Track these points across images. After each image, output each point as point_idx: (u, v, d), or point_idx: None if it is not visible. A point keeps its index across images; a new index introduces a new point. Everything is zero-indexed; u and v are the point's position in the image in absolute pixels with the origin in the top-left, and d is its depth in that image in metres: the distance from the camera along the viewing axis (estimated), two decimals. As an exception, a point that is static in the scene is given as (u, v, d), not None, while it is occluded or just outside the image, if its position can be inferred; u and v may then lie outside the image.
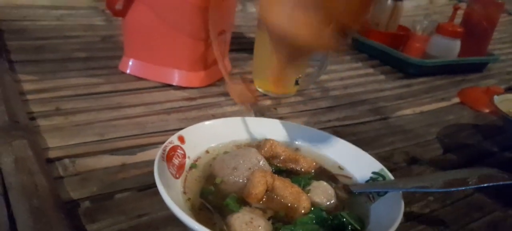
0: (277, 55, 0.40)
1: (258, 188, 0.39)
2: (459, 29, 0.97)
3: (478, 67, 1.05)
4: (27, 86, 0.62)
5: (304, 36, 0.36)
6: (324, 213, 0.38)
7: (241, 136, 0.51)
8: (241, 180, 0.42)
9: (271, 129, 0.52)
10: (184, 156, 0.44)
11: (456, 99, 0.84)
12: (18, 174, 0.41)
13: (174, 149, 0.43)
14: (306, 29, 0.35)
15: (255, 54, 0.73)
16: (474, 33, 1.03)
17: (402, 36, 1.04)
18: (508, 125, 0.65)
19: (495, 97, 0.67)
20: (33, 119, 0.54)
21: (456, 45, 0.98)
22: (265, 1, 0.38)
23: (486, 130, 0.72)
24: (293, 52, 0.40)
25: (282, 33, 0.37)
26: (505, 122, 0.65)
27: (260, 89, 0.74)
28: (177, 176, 0.41)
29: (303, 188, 0.42)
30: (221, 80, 0.76)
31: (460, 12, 1.03)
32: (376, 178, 0.45)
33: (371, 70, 0.94)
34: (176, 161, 0.42)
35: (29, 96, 0.60)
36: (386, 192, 0.42)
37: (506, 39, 1.46)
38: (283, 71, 0.41)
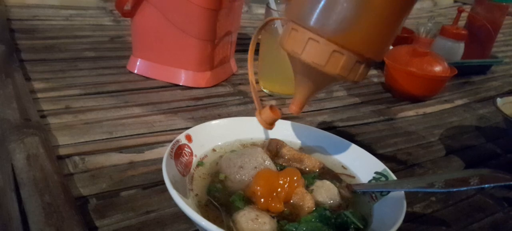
0: (301, 87, 0.42)
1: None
2: (463, 32, 0.98)
3: (482, 70, 1.06)
4: (37, 85, 0.64)
5: (330, 70, 0.38)
6: (327, 212, 0.39)
7: (247, 135, 0.52)
8: (246, 179, 0.43)
9: (276, 129, 0.53)
10: (191, 154, 0.45)
11: (460, 102, 0.85)
12: (30, 170, 0.42)
13: (181, 147, 0.44)
14: (331, 65, 0.37)
15: (261, 55, 0.73)
16: (478, 35, 1.03)
17: (406, 39, 1.04)
18: (511, 127, 0.65)
19: (498, 99, 0.68)
20: (43, 116, 0.55)
21: (460, 47, 0.98)
22: (288, 37, 0.39)
23: (489, 132, 0.72)
24: (317, 84, 0.42)
25: (309, 68, 0.38)
26: (508, 124, 0.65)
27: (265, 90, 0.75)
28: (185, 173, 0.42)
29: (307, 187, 0.42)
30: (226, 81, 0.77)
31: (464, 15, 1.03)
32: (379, 178, 0.46)
33: (375, 72, 0.94)
34: (183, 159, 0.43)
35: (39, 95, 0.61)
36: (388, 192, 0.42)
37: (510, 41, 1.46)
38: (307, 100, 0.43)
